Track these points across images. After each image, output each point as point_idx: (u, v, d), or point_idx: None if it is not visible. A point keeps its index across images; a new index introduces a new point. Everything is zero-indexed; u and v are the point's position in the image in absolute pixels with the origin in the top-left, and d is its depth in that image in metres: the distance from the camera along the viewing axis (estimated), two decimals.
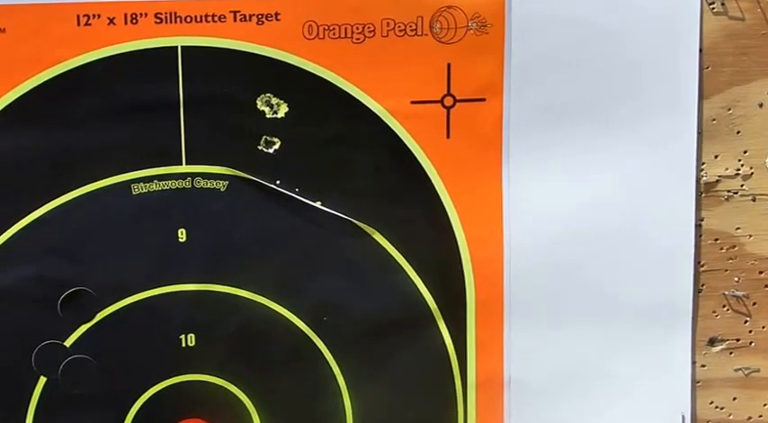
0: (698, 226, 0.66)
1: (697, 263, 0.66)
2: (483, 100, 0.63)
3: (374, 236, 0.63)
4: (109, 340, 0.62)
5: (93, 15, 0.59)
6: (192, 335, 0.63)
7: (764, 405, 0.68)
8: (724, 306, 0.67)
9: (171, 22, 0.59)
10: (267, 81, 0.61)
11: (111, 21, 0.59)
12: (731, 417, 0.68)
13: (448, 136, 0.63)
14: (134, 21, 0.59)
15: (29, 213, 0.60)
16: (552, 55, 0.63)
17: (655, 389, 0.66)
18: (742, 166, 0.66)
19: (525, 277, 0.64)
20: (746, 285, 0.67)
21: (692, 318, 0.66)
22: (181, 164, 0.61)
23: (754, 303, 0.67)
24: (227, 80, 0.60)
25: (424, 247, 0.64)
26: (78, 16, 0.59)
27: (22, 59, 0.59)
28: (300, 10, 0.60)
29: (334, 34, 0.61)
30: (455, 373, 0.65)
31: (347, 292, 0.63)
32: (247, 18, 0.60)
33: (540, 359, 0.65)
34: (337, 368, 0.64)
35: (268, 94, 0.61)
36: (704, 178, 0.65)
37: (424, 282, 0.64)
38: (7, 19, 0.58)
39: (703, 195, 0.66)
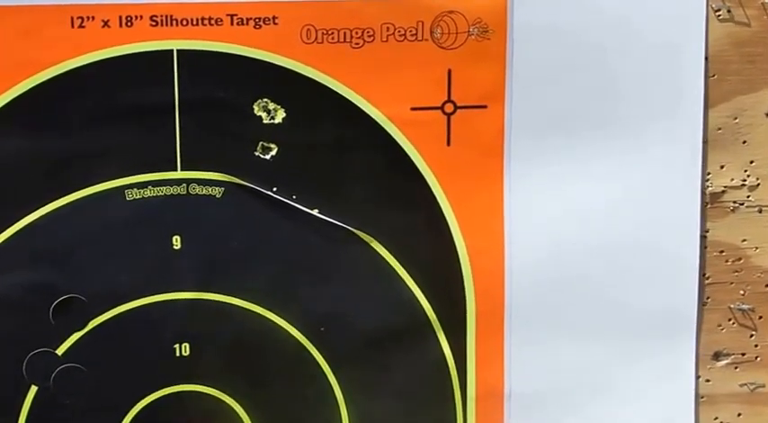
0: (703, 237, 0.65)
1: (702, 275, 0.65)
2: (484, 107, 0.62)
3: (372, 244, 0.62)
4: (102, 349, 0.61)
5: (88, 17, 0.58)
6: (187, 344, 0.62)
7: None
8: (729, 319, 0.66)
9: (166, 24, 0.59)
10: (264, 86, 0.60)
11: (106, 23, 0.58)
12: None
13: (448, 143, 0.62)
14: (129, 23, 0.58)
15: (20, 219, 0.60)
16: (555, 62, 0.62)
17: (658, 403, 0.66)
18: (748, 176, 0.65)
19: (526, 288, 0.64)
20: (752, 299, 0.66)
21: (697, 331, 0.66)
22: (176, 170, 0.60)
23: (761, 317, 0.67)
24: (223, 84, 0.60)
25: (423, 257, 0.63)
26: (72, 18, 0.58)
27: (15, 62, 0.58)
28: (299, 14, 0.60)
29: (332, 39, 0.60)
30: (454, 386, 0.64)
31: (345, 302, 0.63)
32: (244, 22, 0.59)
33: (541, 371, 0.65)
34: (334, 379, 0.63)
35: (265, 99, 0.61)
36: (710, 189, 0.65)
37: (423, 292, 0.63)
38: (0, 20, 0.58)
39: (709, 206, 0.65)
